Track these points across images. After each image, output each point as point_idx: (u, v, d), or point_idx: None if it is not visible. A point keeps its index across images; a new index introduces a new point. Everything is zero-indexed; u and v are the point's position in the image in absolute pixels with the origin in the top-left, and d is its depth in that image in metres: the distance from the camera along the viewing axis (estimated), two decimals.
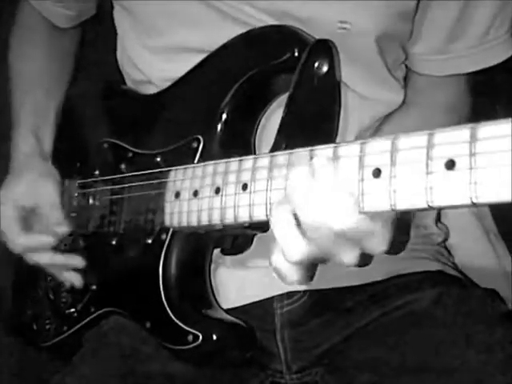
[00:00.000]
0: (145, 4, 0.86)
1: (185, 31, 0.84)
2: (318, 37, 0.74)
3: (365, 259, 0.58)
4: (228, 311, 0.81)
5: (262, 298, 0.85)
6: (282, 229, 0.55)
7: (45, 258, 0.91)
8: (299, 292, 0.85)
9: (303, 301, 0.86)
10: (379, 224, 0.54)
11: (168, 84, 0.86)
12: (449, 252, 0.97)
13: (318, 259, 0.57)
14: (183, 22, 0.84)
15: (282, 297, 0.85)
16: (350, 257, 0.56)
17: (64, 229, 0.92)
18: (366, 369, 0.80)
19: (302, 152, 0.60)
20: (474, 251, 1.02)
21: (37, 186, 0.93)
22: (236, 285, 0.85)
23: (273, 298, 0.85)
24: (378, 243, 0.55)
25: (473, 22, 0.83)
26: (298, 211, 0.54)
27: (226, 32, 0.81)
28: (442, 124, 0.88)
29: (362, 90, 0.84)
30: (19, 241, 0.91)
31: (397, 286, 0.84)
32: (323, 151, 0.59)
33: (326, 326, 0.85)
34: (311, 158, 0.59)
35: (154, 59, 0.88)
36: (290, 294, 0.85)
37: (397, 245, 0.59)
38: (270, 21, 0.80)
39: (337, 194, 0.53)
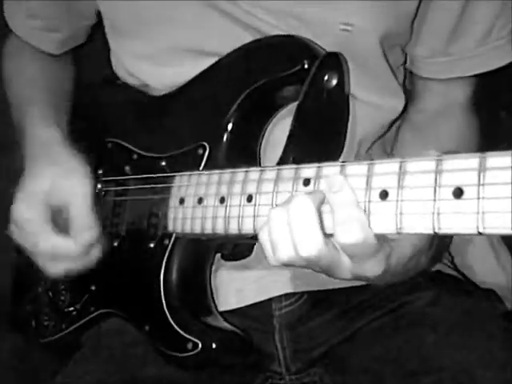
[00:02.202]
0: (144, 6, 0.84)
1: (183, 32, 0.83)
2: (320, 38, 0.74)
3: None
4: (227, 313, 0.82)
5: (260, 299, 0.85)
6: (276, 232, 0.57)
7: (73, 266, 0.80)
8: (297, 293, 0.86)
9: (301, 302, 0.86)
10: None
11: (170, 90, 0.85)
12: (448, 252, 0.97)
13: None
14: (182, 22, 0.82)
15: (280, 298, 0.86)
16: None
17: (94, 233, 0.79)
18: (364, 370, 0.81)
19: (308, 167, 0.61)
20: (473, 251, 1.02)
21: (65, 182, 0.79)
22: (235, 287, 0.85)
23: (271, 299, 0.86)
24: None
25: (474, 23, 0.82)
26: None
27: (226, 32, 0.80)
28: (448, 134, 0.88)
29: (366, 95, 0.83)
30: (49, 242, 0.78)
31: (395, 286, 0.84)
32: (330, 168, 0.59)
33: (324, 327, 0.86)
34: (318, 173, 0.59)
35: (153, 65, 0.87)
36: (288, 296, 0.86)
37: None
38: (271, 21, 0.79)
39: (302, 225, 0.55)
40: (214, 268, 0.83)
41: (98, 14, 0.94)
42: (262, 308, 0.86)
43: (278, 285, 0.85)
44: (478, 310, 0.81)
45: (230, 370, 0.83)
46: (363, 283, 0.84)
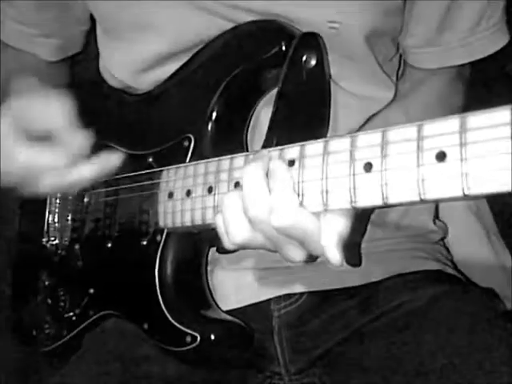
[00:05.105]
0: (117, 13, 0.83)
1: (166, 38, 0.82)
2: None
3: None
4: (225, 313, 0.81)
5: (259, 299, 0.85)
6: (230, 212, 0.61)
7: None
8: (297, 294, 0.85)
9: (301, 302, 0.85)
10: (325, 224, 0.58)
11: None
12: (448, 250, 0.96)
13: (266, 248, 0.63)
14: (164, 28, 0.81)
15: (279, 298, 0.85)
16: (294, 254, 0.62)
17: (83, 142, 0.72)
18: (364, 370, 0.80)
19: (292, 147, 0.60)
20: (473, 250, 1.01)
21: (48, 106, 0.72)
22: (233, 287, 0.85)
23: (270, 299, 0.85)
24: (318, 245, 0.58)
25: (463, 12, 0.82)
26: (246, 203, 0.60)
27: (211, 35, 0.79)
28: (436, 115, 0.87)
29: (354, 88, 0.82)
30: (28, 152, 0.71)
31: (395, 285, 0.84)
32: (314, 146, 0.58)
33: (323, 327, 0.85)
34: (302, 152, 0.59)
35: (136, 71, 0.86)
36: (287, 296, 0.85)
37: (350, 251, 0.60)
38: None
39: (280, 193, 0.58)
40: (211, 268, 0.83)
41: (92, 19, 0.94)
42: (260, 308, 0.85)
43: (277, 285, 0.84)
44: (478, 310, 0.80)
45: (229, 367, 0.82)
46: (363, 282, 0.84)
